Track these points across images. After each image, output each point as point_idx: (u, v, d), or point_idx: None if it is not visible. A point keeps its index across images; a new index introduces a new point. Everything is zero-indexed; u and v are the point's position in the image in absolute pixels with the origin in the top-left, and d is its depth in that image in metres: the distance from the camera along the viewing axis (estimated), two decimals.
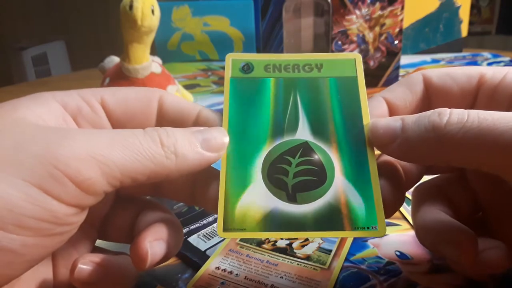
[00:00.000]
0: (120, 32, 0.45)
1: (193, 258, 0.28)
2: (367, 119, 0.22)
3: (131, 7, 0.42)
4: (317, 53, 0.25)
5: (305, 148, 0.22)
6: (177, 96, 0.24)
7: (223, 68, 0.79)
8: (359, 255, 0.28)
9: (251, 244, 0.29)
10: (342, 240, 0.29)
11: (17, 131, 0.17)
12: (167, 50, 0.82)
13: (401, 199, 0.22)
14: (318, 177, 0.21)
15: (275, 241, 0.29)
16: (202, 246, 0.29)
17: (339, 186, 0.21)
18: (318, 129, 0.22)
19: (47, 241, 0.17)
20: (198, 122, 0.23)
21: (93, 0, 1.91)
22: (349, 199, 0.21)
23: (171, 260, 0.28)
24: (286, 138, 0.22)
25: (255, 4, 0.78)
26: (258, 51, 0.81)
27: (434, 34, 0.80)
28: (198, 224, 0.31)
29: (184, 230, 0.31)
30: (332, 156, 0.22)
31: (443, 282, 0.25)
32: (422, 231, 0.24)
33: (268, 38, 0.72)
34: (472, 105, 0.24)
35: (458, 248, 0.21)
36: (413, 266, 0.27)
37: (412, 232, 0.30)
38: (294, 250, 0.28)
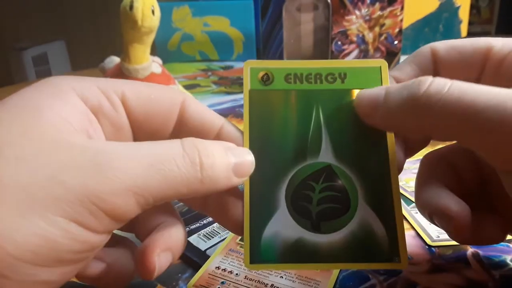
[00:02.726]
0: (120, 32, 0.45)
1: (193, 258, 0.28)
2: (392, 138, 0.22)
3: (131, 7, 0.42)
4: (341, 60, 0.24)
5: (328, 173, 0.22)
6: (201, 104, 0.22)
7: (223, 68, 0.79)
8: None
9: None
10: None
11: (51, 156, 0.17)
12: (167, 51, 0.82)
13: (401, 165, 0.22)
14: (342, 205, 0.21)
15: None
16: (202, 246, 0.29)
17: (362, 214, 0.21)
18: (341, 150, 0.22)
19: (80, 265, 0.18)
20: (220, 138, 0.22)
21: (93, 0, 1.91)
22: (372, 229, 0.21)
23: None
24: (309, 160, 0.22)
25: (255, 4, 0.78)
26: (258, 51, 0.81)
27: (434, 34, 0.80)
28: (198, 224, 0.32)
29: None
30: (355, 181, 0.21)
31: (443, 282, 0.25)
32: (421, 202, 0.24)
33: (268, 38, 0.72)
34: (478, 78, 0.23)
35: (451, 223, 0.21)
36: (413, 266, 0.27)
37: (412, 232, 0.30)
38: None
